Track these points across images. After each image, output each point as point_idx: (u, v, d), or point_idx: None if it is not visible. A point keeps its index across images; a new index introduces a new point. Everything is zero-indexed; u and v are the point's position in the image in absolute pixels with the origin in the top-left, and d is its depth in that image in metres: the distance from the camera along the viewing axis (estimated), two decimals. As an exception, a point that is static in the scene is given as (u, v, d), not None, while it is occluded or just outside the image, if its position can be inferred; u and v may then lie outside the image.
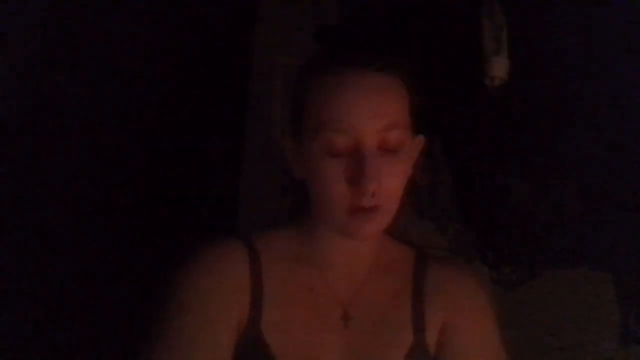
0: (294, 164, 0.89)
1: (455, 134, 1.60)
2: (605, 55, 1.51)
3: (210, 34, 1.57)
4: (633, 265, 1.53)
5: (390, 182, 0.83)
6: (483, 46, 1.53)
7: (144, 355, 0.81)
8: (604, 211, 1.52)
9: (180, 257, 0.90)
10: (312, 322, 0.89)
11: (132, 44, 1.47)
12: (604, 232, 1.53)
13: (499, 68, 1.51)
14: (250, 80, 1.63)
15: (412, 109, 0.86)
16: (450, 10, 1.58)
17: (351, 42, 0.88)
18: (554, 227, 1.55)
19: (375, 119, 0.81)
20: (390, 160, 0.83)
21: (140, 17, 1.48)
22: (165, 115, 1.51)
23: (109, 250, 1.36)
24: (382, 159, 0.82)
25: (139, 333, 0.84)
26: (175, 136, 1.52)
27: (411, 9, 1.58)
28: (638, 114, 1.50)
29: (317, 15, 1.61)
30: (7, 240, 1.19)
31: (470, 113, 1.59)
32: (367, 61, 0.83)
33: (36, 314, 1.23)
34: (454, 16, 1.58)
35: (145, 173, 1.47)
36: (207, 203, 1.54)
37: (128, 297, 1.32)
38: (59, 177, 1.32)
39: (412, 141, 0.88)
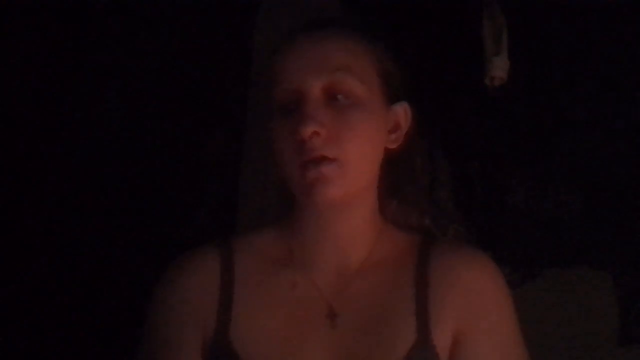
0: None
1: (455, 134, 1.60)
2: (606, 56, 1.51)
3: (210, 34, 1.58)
4: (633, 265, 1.53)
5: (345, 133, 0.79)
6: (483, 46, 1.53)
7: None
8: (604, 211, 1.52)
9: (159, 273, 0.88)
10: (291, 324, 0.83)
11: (133, 45, 1.47)
12: (604, 232, 1.53)
13: (499, 68, 1.51)
14: (250, 80, 1.63)
15: (384, 73, 0.85)
16: (450, 10, 1.58)
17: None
18: (554, 227, 1.55)
19: (316, 65, 0.80)
20: (343, 109, 0.80)
21: (140, 18, 1.48)
22: (165, 115, 1.52)
23: (107, 249, 1.37)
24: (331, 109, 0.80)
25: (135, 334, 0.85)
26: (174, 135, 1.53)
27: (411, 9, 1.59)
28: (638, 114, 1.50)
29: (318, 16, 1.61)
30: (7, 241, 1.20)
31: (470, 113, 1.59)
32: (319, 23, 0.85)
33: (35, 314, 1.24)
34: (454, 16, 1.58)
35: (144, 172, 1.48)
36: (205, 202, 1.55)
37: (125, 297, 1.32)
38: (58, 177, 1.32)
39: (380, 99, 0.85)
